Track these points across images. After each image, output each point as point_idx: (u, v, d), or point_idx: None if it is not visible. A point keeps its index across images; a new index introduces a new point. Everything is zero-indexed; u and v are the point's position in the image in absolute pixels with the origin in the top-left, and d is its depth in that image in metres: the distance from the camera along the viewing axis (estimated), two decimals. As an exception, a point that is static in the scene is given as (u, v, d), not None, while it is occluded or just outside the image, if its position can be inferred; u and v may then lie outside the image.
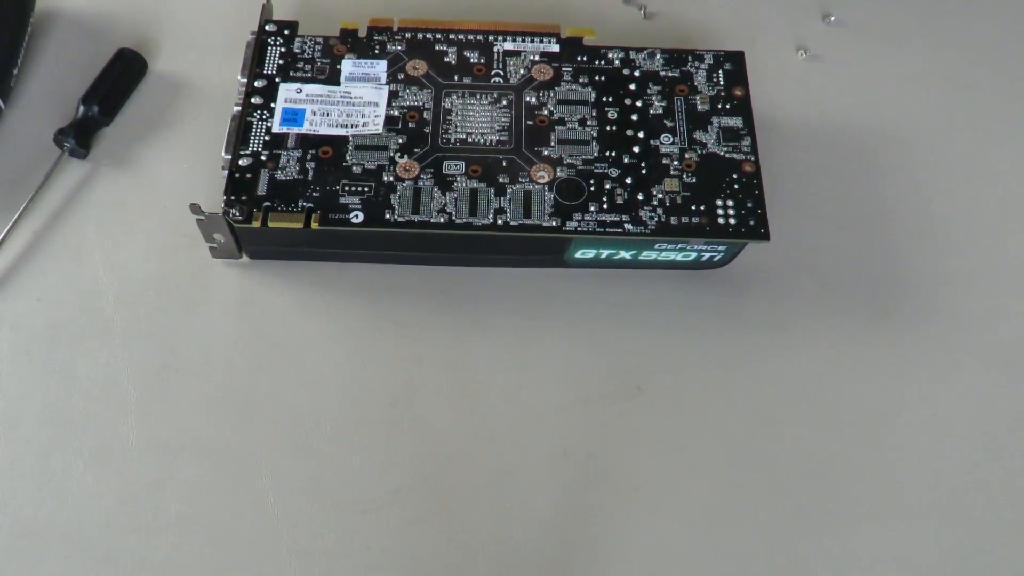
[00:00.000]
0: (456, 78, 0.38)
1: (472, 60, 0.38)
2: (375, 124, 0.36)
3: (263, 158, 0.35)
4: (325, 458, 0.33)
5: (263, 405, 0.34)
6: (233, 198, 0.34)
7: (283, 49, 0.38)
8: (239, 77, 0.37)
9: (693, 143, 0.36)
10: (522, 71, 0.38)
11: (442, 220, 0.34)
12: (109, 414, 0.34)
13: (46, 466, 0.33)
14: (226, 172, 0.35)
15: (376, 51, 0.38)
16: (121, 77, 0.40)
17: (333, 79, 0.37)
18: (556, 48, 0.39)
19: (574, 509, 0.33)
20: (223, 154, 0.35)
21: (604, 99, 0.37)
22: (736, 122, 0.37)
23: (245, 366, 0.35)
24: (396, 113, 0.36)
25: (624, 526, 0.32)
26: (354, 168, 0.35)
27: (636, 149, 0.36)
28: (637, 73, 0.38)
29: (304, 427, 0.34)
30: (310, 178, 0.35)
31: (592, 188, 0.35)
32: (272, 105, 0.36)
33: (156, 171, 0.39)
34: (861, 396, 0.35)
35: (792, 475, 0.34)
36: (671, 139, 0.36)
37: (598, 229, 0.34)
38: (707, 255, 0.36)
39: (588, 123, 0.37)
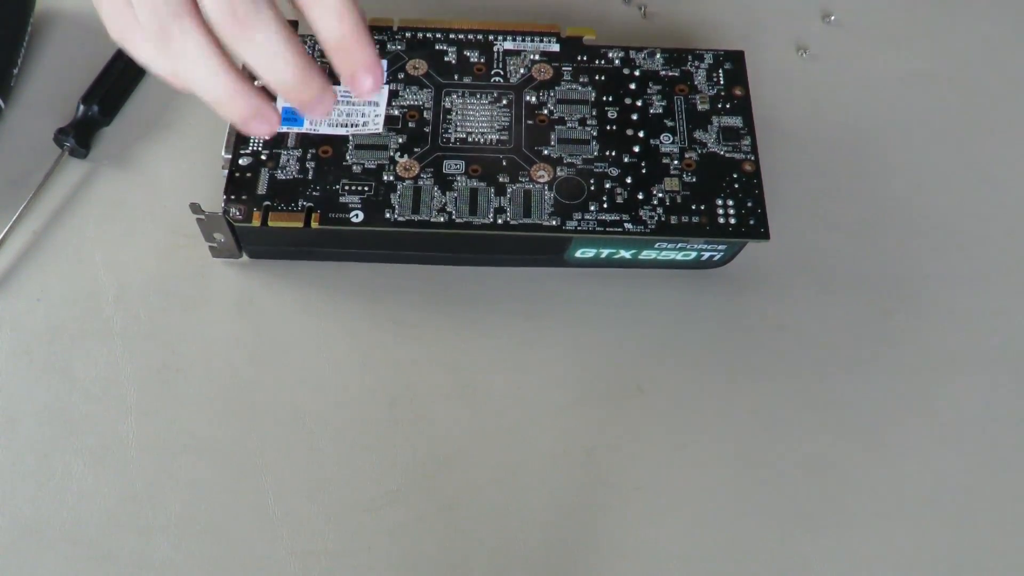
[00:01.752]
0: (456, 78, 0.38)
1: (472, 60, 0.38)
2: (375, 123, 0.36)
3: (263, 157, 0.35)
4: (325, 458, 0.33)
5: (263, 405, 0.34)
6: (233, 197, 0.34)
7: (283, 49, 0.38)
8: (239, 77, 0.37)
9: (693, 143, 0.36)
10: (522, 71, 0.38)
11: (442, 220, 0.34)
12: (109, 414, 0.34)
13: (46, 466, 0.33)
14: (226, 172, 0.35)
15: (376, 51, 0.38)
16: (121, 77, 0.40)
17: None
18: (556, 48, 0.39)
19: (574, 509, 0.33)
20: (223, 154, 0.35)
21: (604, 99, 0.37)
22: (736, 122, 0.37)
23: (245, 366, 0.35)
24: (396, 112, 0.36)
25: (624, 526, 0.32)
26: (354, 167, 0.35)
27: (636, 149, 0.36)
28: (637, 73, 0.38)
29: (304, 427, 0.34)
30: (310, 177, 0.35)
31: (592, 187, 0.35)
32: (272, 105, 0.36)
33: (156, 171, 0.39)
34: (861, 396, 0.35)
35: (792, 475, 0.34)
36: (671, 139, 0.36)
37: (598, 228, 0.34)
38: (707, 254, 0.36)
39: (588, 123, 0.37)
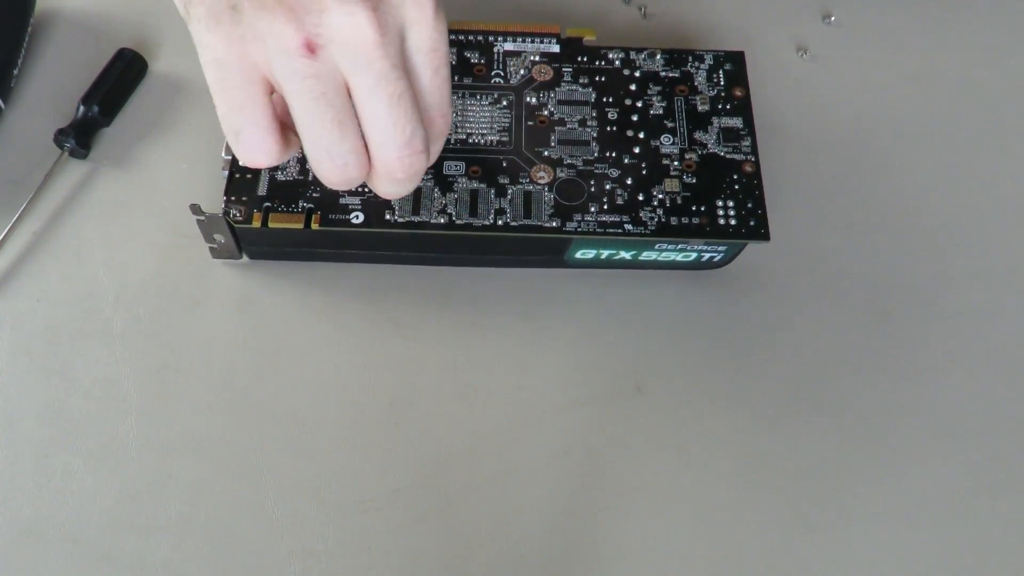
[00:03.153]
0: (456, 78, 0.38)
1: (472, 60, 0.38)
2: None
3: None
4: (325, 458, 0.33)
5: (263, 405, 0.34)
6: (233, 198, 0.34)
7: (283, 49, 0.38)
8: (239, 77, 0.37)
9: (693, 143, 0.36)
10: (522, 71, 0.38)
11: (442, 221, 0.34)
12: (109, 414, 0.34)
13: (46, 466, 0.33)
14: (226, 172, 0.35)
15: (376, 51, 0.38)
16: (121, 77, 0.40)
17: None
18: (556, 49, 0.39)
19: (574, 509, 0.33)
20: (223, 154, 0.35)
21: (604, 99, 0.37)
22: (736, 122, 0.37)
23: (245, 366, 0.35)
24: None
25: (624, 526, 0.33)
26: (354, 168, 0.35)
27: (636, 150, 0.36)
28: (637, 73, 0.38)
29: (304, 427, 0.34)
30: (310, 179, 0.35)
31: (592, 189, 0.35)
32: (272, 105, 0.36)
33: (156, 171, 0.39)
34: (861, 396, 0.35)
35: (792, 475, 0.34)
36: (671, 139, 0.36)
37: (598, 230, 0.34)
38: (707, 255, 0.36)
39: (588, 123, 0.37)
